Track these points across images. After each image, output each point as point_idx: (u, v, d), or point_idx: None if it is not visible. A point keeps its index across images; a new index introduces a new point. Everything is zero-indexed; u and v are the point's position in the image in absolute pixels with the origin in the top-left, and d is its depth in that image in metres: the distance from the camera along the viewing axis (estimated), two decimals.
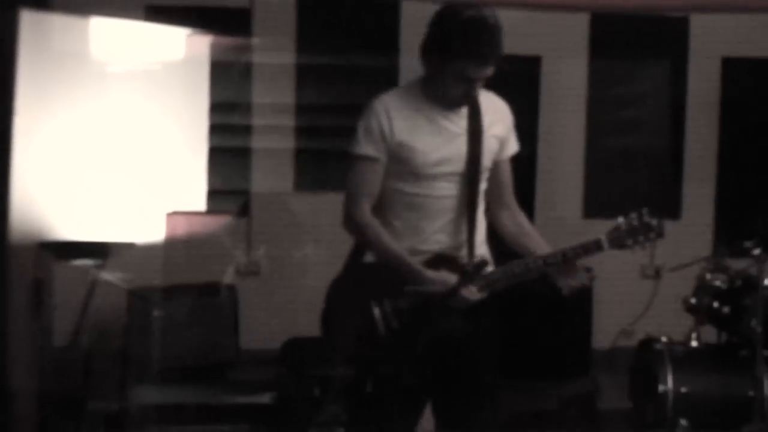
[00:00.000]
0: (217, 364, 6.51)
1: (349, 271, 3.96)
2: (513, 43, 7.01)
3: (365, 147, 3.79)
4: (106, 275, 5.74)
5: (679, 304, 5.53)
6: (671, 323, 5.91)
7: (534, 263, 3.81)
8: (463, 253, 3.84)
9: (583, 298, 6.83)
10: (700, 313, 5.36)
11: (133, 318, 6.32)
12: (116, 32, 6.83)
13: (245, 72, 7.04)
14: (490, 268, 3.84)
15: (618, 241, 3.84)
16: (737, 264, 5.43)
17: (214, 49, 6.97)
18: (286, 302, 7.18)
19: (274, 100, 7.09)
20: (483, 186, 3.89)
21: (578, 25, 7.34)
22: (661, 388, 5.10)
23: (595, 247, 3.82)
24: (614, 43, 7.36)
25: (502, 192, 3.99)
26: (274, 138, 7.08)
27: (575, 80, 7.42)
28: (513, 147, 3.99)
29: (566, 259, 3.82)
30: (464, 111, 3.82)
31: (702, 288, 5.36)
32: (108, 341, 6.18)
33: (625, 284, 7.45)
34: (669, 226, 7.27)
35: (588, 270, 4.03)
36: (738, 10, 6.21)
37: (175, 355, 6.26)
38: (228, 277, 6.79)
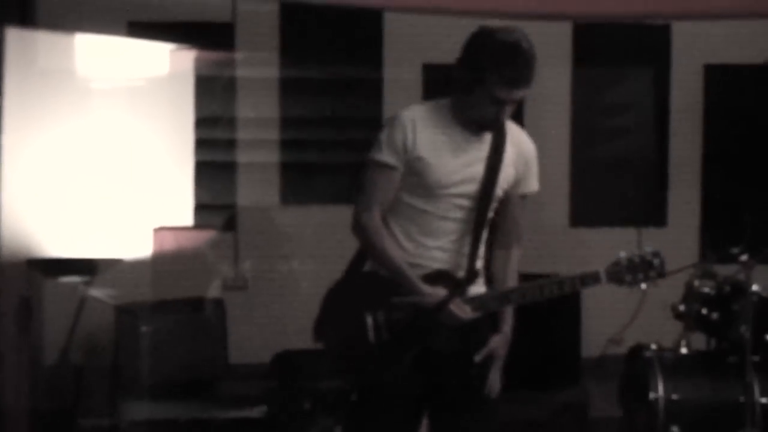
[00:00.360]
0: (206, 379, 6.50)
1: (348, 279, 3.97)
2: None
3: (386, 155, 3.80)
4: (95, 292, 5.72)
5: (666, 312, 5.54)
6: (659, 331, 5.92)
7: (530, 292, 3.81)
8: (462, 274, 3.86)
9: (572, 307, 6.84)
10: (689, 320, 5.36)
11: (121, 334, 6.30)
12: (100, 48, 6.83)
13: (229, 86, 7.04)
14: (482, 289, 3.86)
15: (616, 276, 3.83)
16: (725, 270, 5.44)
17: (198, 64, 6.97)
18: (274, 316, 7.18)
19: (258, 114, 7.09)
20: (491, 214, 3.91)
21: (561, 34, 7.37)
22: (651, 395, 5.09)
23: (592, 280, 3.81)
24: (597, 51, 7.39)
25: (508, 227, 4.00)
26: (259, 152, 7.08)
27: (559, 89, 7.44)
28: (531, 186, 3.99)
29: (562, 289, 3.82)
30: (488, 137, 3.83)
31: (690, 295, 5.36)
32: (97, 357, 6.16)
33: (612, 293, 7.40)
34: (655, 233, 7.46)
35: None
36: (718, 16, 6.26)
37: (164, 371, 6.24)
38: (213, 291, 6.77)
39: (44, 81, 6.01)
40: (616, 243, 7.48)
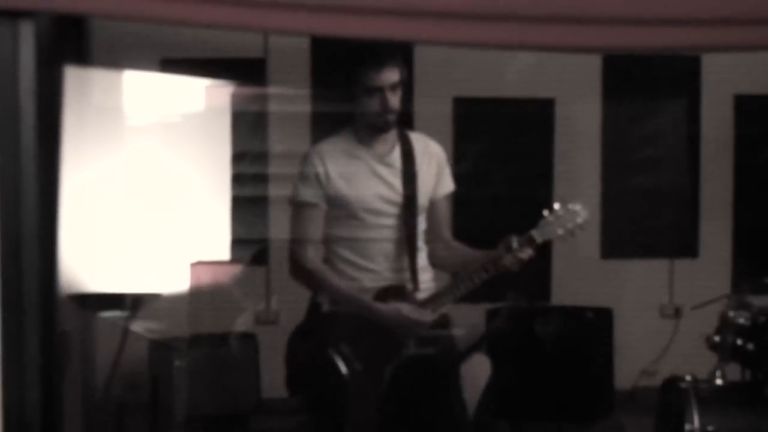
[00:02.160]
0: (239, 414, 6.51)
1: (307, 323, 4.00)
2: (526, 87, 7.18)
3: (303, 193, 3.89)
4: (135, 326, 5.76)
5: (699, 343, 5.52)
6: (692, 362, 5.88)
7: (475, 273, 3.84)
8: (409, 284, 3.91)
9: (605, 338, 6.82)
10: (724, 351, 5.33)
11: (156, 369, 6.33)
12: (138, 86, 6.89)
13: (261, 121, 7.08)
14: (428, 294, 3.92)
15: (547, 231, 3.88)
16: (759, 301, 5.42)
17: (234, 100, 7.02)
18: None
19: (290, 149, 7.12)
20: (421, 223, 3.97)
21: (591, 67, 7.38)
22: (687, 427, 5.06)
23: (527, 241, 3.85)
24: (627, 83, 7.40)
25: (440, 229, 4.09)
26: (291, 186, 7.11)
27: (589, 122, 7.45)
28: (448, 186, 4.07)
29: (499, 261, 3.84)
30: (397, 154, 3.90)
31: (725, 325, 5.33)
32: (137, 392, 6.18)
33: (644, 324, 7.45)
34: (687, 264, 7.43)
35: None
36: (751, 48, 6.24)
37: (198, 405, 6.26)
38: (240, 326, 6.78)
39: (86, 118, 6.07)
40: (647, 275, 7.49)
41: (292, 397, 4.03)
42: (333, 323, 3.92)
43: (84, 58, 5.05)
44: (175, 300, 6.45)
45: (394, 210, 3.91)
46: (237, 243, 7.03)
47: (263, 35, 7.04)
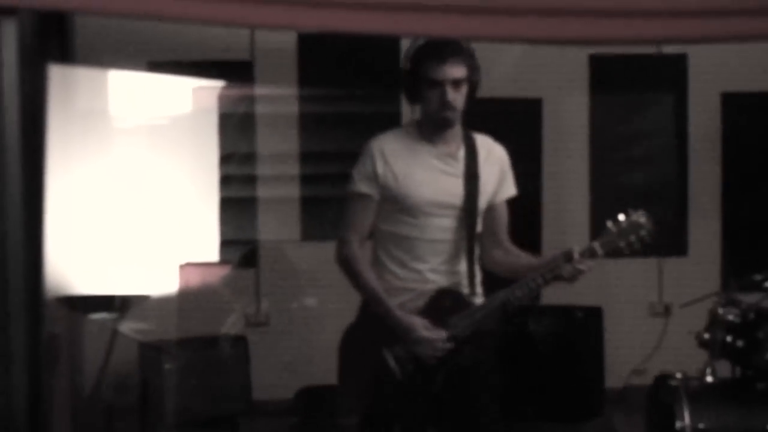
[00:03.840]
0: (229, 415, 6.49)
1: (361, 320, 3.99)
2: (513, 87, 7.18)
3: (358, 185, 3.88)
4: (123, 328, 5.74)
5: (689, 341, 5.52)
6: (682, 360, 5.89)
7: (534, 281, 3.81)
8: (465, 289, 3.89)
9: (595, 338, 6.82)
10: (714, 348, 5.33)
11: (146, 371, 6.31)
12: (125, 88, 6.88)
13: (249, 122, 7.07)
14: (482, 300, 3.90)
15: (611, 245, 3.83)
16: (749, 298, 5.42)
17: (222, 101, 7.01)
18: (296, 352, 7.17)
19: (278, 150, 7.12)
20: (479, 228, 3.94)
21: (577, 65, 7.39)
22: (678, 424, 5.05)
23: (589, 253, 3.80)
24: (614, 81, 7.40)
25: (497, 233, 4.04)
26: (279, 187, 7.10)
27: (577, 120, 7.46)
28: (509, 190, 4.04)
29: (555, 272, 3.80)
30: (461, 154, 3.87)
31: (715, 322, 5.33)
32: (126, 394, 6.16)
33: (634, 323, 7.45)
34: (676, 262, 7.43)
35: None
36: (737, 39, 6.25)
37: (188, 407, 6.24)
38: (230, 327, 6.77)
39: (73, 119, 6.06)
40: (637, 273, 7.49)
41: (341, 385, 4.00)
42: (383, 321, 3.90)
43: (68, 57, 5.04)
44: (164, 301, 6.44)
45: (451, 211, 3.86)
46: (226, 244, 7.02)
47: (250, 37, 7.04)
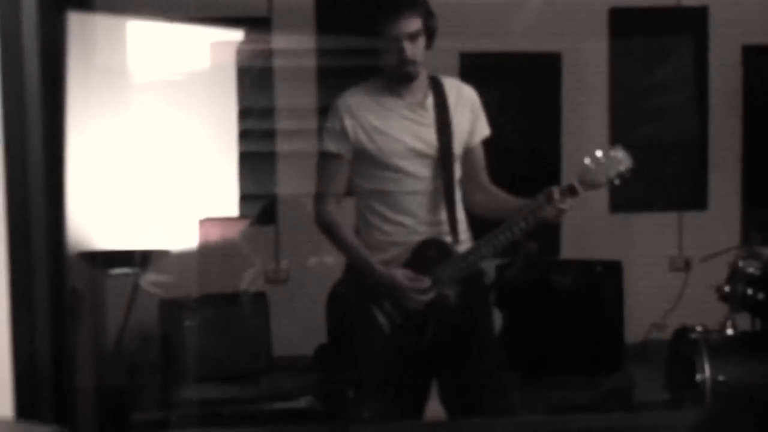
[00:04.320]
0: (250, 372, 6.52)
1: (347, 278, 3.99)
2: (532, 41, 7.14)
3: (328, 144, 3.86)
4: (144, 283, 5.76)
5: (709, 296, 5.51)
6: (702, 315, 5.88)
7: (517, 225, 3.78)
8: (447, 237, 3.88)
9: (614, 292, 6.82)
10: (735, 301, 5.33)
11: (166, 327, 6.34)
12: (143, 43, 6.86)
13: (267, 77, 7.05)
14: (467, 246, 3.87)
15: (590, 182, 3.80)
16: None
17: (240, 56, 6.99)
18: (316, 308, 7.18)
19: (296, 104, 7.09)
20: (457, 173, 3.92)
21: (597, 19, 7.34)
22: (698, 376, 5.06)
23: (569, 192, 3.78)
24: (634, 35, 7.35)
25: (476, 175, 4.01)
26: (298, 141, 7.09)
27: (596, 74, 7.42)
28: (483, 131, 3.99)
29: (540, 216, 3.77)
30: (430, 103, 3.86)
31: (735, 275, 5.33)
32: (147, 351, 6.20)
33: (654, 277, 7.44)
34: (696, 217, 7.41)
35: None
36: None
37: (208, 364, 6.27)
38: (251, 284, 6.78)
39: (91, 74, 6.05)
40: (657, 228, 7.47)
41: (333, 350, 4.02)
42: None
43: (87, 5, 5.02)
44: (184, 256, 6.45)
45: (428, 161, 3.84)
46: (245, 199, 7.02)
47: None
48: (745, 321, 5.52)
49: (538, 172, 6.84)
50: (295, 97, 7.03)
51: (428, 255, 3.83)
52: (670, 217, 7.51)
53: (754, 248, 5.43)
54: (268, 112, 7.04)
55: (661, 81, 7.43)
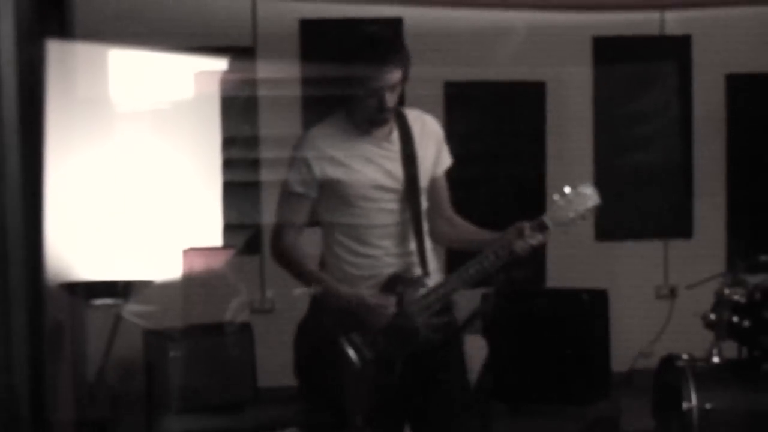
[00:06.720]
0: (235, 402, 6.48)
1: (312, 313, 3.94)
2: (517, 70, 7.16)
3: (293, 183, 3.81)
4: (127, 314, 5.72)
5: (695, 323, 5.50)
6: (688, 343, 5.87)
7: (487, 259, 3.76)
8: (417, 271, 3.85)
9: (601, 320, 6.81)
10: (720, 329, 5.32)
11: (151, 358, 6.30)
12: (126, 72, 6.86)
13: (251, 106, 7.04)
14: (437, 279, 3.85)
15: (560, 219, 3.78)
16: (754, 278, 5.41)
17: (224, 85, 6.99)
18: None
19: (281, 133, 7.08)
20: (424, 204, 3.91)
21: (581, 48, 7.36)
22: (685, 404, 5.05)
23: (539, 227, 3.76)
24: (617, 63, 7.37)
25: (441, 206, 4.00)
26: (282, 171, 7.08)
27: (580, 103, 7.43)
28: (446, 161, 3.98)
29: (504, 251, 3.75)
30: (395, 137, 3.83)
31: (721, 303, 5.32)
32: (130, 382, 6.16)
33: (640, 306, 7.44)
34: (681, 244, 7.41)
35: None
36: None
37: (193, 395, 6.23)
38: (235, 314, 6.74)
39: (73, 103, 6.04)
40: (642, 256, 7.47)
41: (303, 388, 3.95)
42: (340, 313, 3.85)
43: (68, 34, 5.01)
44: (168, 287, 6.42)
45: (394, 195, 3.82)
46: (229, 229, 7.00)
47: (252, 23, 7.02)
48: (731, 349, 5.51)
49: (522, 199, 6.86)
50: (279, 127, 7.02)
51: (396, 288, 3.80)
52: (655, 245, 7.52)
53: (739, 276, 5.43)
54: (253, 141, 7.03)
55: (645, 109, 7.45)
